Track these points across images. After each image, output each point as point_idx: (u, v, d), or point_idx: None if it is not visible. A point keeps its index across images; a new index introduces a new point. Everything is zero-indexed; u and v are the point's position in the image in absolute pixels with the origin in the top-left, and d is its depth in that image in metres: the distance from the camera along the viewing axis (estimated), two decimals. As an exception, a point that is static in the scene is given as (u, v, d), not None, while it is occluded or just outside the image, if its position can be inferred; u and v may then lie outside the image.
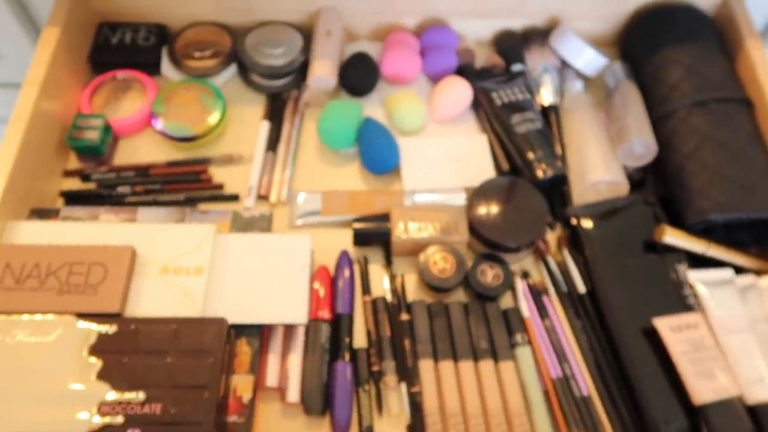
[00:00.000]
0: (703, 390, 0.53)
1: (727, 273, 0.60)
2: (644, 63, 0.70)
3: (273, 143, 0.70)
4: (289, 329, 0.58)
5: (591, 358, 0.59)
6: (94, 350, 0.51)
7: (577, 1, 0.74)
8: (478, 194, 0.63)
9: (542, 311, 0.61)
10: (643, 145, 0.66)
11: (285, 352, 0.57)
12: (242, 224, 0.63)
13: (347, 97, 0.74)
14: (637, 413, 0.55)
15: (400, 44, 0.75)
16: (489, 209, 0.62)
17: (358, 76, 0.73)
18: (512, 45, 0.76)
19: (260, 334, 0.57)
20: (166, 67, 0.74)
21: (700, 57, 0.67)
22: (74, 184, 0.68)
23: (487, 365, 0.57)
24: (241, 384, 0.54)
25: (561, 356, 0.58)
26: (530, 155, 0.66)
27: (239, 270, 0.58)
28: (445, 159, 0.69)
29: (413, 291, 0.63)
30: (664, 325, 0.56)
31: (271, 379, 0.56)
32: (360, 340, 0.59)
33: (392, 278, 0.62)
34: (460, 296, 0.63)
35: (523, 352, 0.58)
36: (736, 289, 0.59)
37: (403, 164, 0.68)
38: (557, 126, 0.70)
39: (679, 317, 0.57)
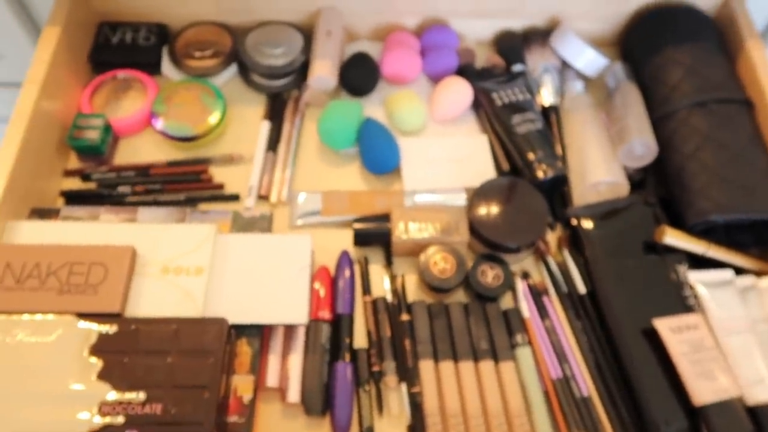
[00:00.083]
0: (703, 391, 0.53)
1: (728, 274, 0.60)
2: (645, 63, 0.70)
3: (273, 143, 0.70)
4: (290, 329, 0.58)
5: (591, 359, 0.59)
6: (95, 350, 0.51)
7: (578, 1, 0.74)
8: (478, 195, 0.63)
9: (542, 312, 0.61)
10: (643, 146, 0.66)
11: (285, 353, 0.57)
12: (243, 224, 0.63)
13: (348, 97, 0.74)
14: (638, 414, 0.55)
15: (400, 44, 0.75)
16: (489, 210, 0.62)
17: (359, 76, 0.73)
18: (513, 45, 0.76)
19: (261, 334, 0.57)
20: (167, 66, 0.74)
21: (700, 58, 0.67)
22: (74, 184, 0.68)
23: (487, 366, 0.57)
24: (242, 384, 0.54)
25: (561, 357, 0.58)
26: (531, 156, 0.66)
27: (240, 270, 0.58)
28: (446, 159, 0.69)
29: (413, 291, 0.63)
30: (664, 325, 0.56)
31: (272, 379, 0.56)
32: (360, 340, 0.59)
33: (392, 278, 0.62)
34: (460, 297, 0.63)
35: (524, 353, 0.58)
36: (737, 290, 0.59)
37: (403, 164, 0.68)
38: (558, 126, 0.70)
39: (679, 318, 0.57)
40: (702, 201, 0.60)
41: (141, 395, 0.49)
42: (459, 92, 0.71)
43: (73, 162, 0.69)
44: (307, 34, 0.75)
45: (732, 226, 0.61)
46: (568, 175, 0.67)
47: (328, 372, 0.56)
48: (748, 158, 0.61)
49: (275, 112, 0.73)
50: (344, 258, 0.62)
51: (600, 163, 0.65)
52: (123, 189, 0.66)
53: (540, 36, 0.76)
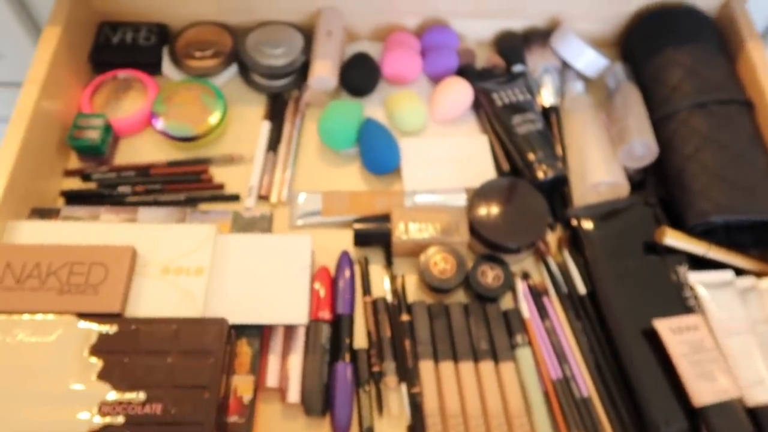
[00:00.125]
0: (703, 392, 0.53)
1: (728, 275, 0.60)
2: (645, 64, 0.70)
3: (274, 143, 0.70)
4: (290, 330, 0.58)
5: (591, 360, 0.59)
6: (95, 350, 0.51)
7: (578, 2, 0.74)
8: (478, 195, 0.63)
9: (542, 312, 0.61)
10: (643, 147, 0.66)
11: (285, 353, 0.57)
12: (243, 224, 0.63)
13: (348, 97, 0.74)
14: (637, 414, 0.55)
15: (400, 44, 0.75)
16: (489, 210, 0.62)
17: (359, 76, 0.73)
18: (513, 46, 0.76)
19: (261, 334, 0.57)
20: (167, 66, 0.74)
21: (700, 58, 0.67)
22: (75, 184, 0.68)
23: (487, 366, 0.57)
24: (242, 384, 0.54)
25: (561, 357, 0.58)
26: (531, 156, 0.66)
27: (240, 270, 0.58)
28: (446, 160, 0.69)
29: (413, 292, 0.63)
30: (664, 326, 0.56)
31: (272, 379, 0.56)
32: (360, 340, 0.59)
33: (393, 279, 0.62)
34: (460, 297, 0.63)
35: (524, 353, 0.58)
36: (737, 291, 0.59)
37: (403, 165, 0.68)
38: (558, 127, 0.70)
39: (679, 319, 0.57)
40: (702, 202, 0.60)
41: (141, 395, 0.49)
42: (459, 92, 0.71)
43: (74, 162, 0.70)
44: (308, 34, 0.75)
45: (732, 227, 0.61)
46: (569, 175, 0.67)
47: (328, 372, 0.56)
48: (748, 159, 0.61)
49: (275, 113, 0.73)
50: (344, 258, 0.62)
51: (600, 164, 0.65)
52: (123, 189, 0.66)
53: (540, 36, 0.76)
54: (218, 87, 0.72)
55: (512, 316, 0.60)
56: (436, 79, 0.74)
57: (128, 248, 0.56)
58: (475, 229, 0.62)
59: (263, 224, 0.63)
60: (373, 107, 0.73)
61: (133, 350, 0.51)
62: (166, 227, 0.60)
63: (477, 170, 0.68)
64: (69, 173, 0.68)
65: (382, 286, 0.62)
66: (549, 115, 0.71)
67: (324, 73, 0.71)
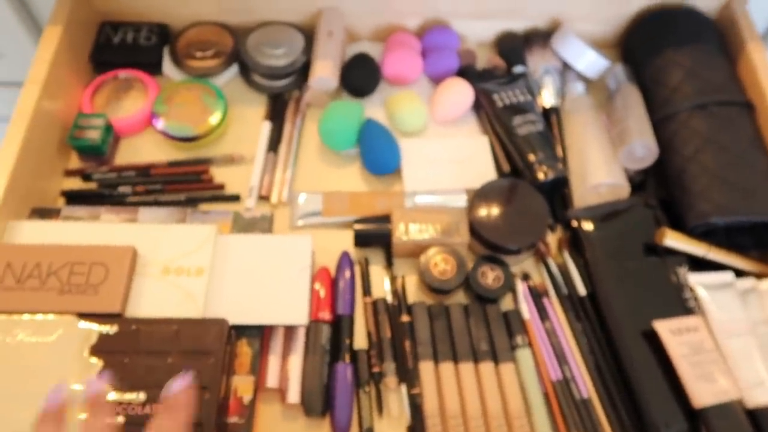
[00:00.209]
0: (703, 393, 0.53)
1: (728, 276, 0.60)
2: (646, 65, 0.70)
3: (274, 144, 0.70)
4: (290, 330, 0.58)
5: (591, 361, 0.59)
6: (95, 350, 0.51)
7: (579, 3, 0.74)
8: (479, 196, 0.63)
9: (542, 313, 0.61)
10: (644, 148, 0.66)
11: (285, 353, 0.57)
12: (243, 225, 0.63)
13: (348, 97, 0.74)
14: (637, 416, 0.55)
15: (401, 45, 0.75)
16: (490, 211, 0.62)
17: (360, 76, 0.73)
18: (514, 46, 0.76)
19: (261, 335, 0.57)
20: (168, 66, 0.74)
21: (701, 60, 0.67)
22: (75, 184, 0.68)
23: (487, 367, 0.57)
24: (242, 385, 0.54)
25: (561, 358, 0.58)
26: (531, 157, 0.66)
27: (240, 271, 0.58)
28: (446, 160, 0.69)
29: (414, 292, 0.63)
30: (664, 327, 0.56)
31: (272, 380, 0.56)
32: (360, 341, 0.59)
33: (393, 279, 0.62)
34: (460, 298, 0.63)
35: (524, 354, 0.58)
36: (737, 292, 0.59)
37: (404, 165, 0.68)
38: (558, 128, 0.70)
39: (679, 320, 0.57)
40: (702, 203, 0.60)
41: (141, 395, 0.49)
42: (460, 93, 0.71)
43: (74, 162, 0.70)
44: (309, 34, 0.75)
45: (732, 228, 0.61)
46: (569, 176, 0.67)
47: (328, 373, 0.56)
48: (749, 161, 0.61)
49: (276, 113, 0.73)
50: (345, 259, 0.62)
51: (601, 165, 0.65)
52: (124, 189, 0.66)
53: (541, 37, 0.76)
54: (219, 87, 0.72)
55: (512, 317, 0.60)
56: (436, 79, 0.74)
57: (129, 248, 0.56)
58: (476, 230, 0.62)
59: (264, 225, 0.63)
60: (373, 108, 0.73)
61: (133, 350, 0.51)
62: (166, 227, 0.60)
63: (477, 171, 0.68)
64: (69, 173, 0.68)
65: (382, 286, 0.62)
66: (549, 116, 0.71)
67: (325, 73, 0.71)
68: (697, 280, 0.59)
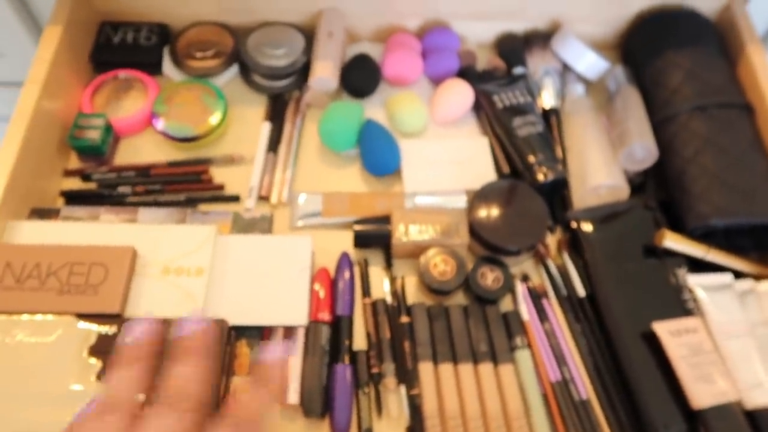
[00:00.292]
0: (702, 394, 0.53)
1: (727, 278, 0.60)
2: (646, 67, 0.70)
3: (274, 144, 0.70)
4: (289, 331, 0.58)
5: (590, 362, 0.59)
6: (95, 351, 0.51)
7: (579, 4, 0.74)
8: (478, 197, 0.63)
9: (542, 314, 0.61)
10: (644, 149, 0.66)
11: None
12: (243, 225, 0.63)
13: (348, 98, 0.74)
14: (636, 417, 0.55)
15: (401, 46, 0.75)
16: (489, 212, 0.62)
17: (360, 77, 0.73)
18: (514, 48, 0.76)
19: (260, 335, 0.57)
20: (168, 66, 0.74)
21: (701, 61, 0.67)
22: (75, 184, 0.68)
23: (486, 368, 0.57)
24: (242, 385, 0.54)
25: (560, 360, 0.58)
26: (531, 158, 0.66)
27: (240, 271, 0.58)
28: (446, 161, 0.69)
29: (413, 293, 0.63)
30: (663, 329, 0.56)
31: (271, 380, 0.56)
32: (360, 342, 0.59)
33: (392, 280, 0.62)
34: (460, 299, 0.63)
35: (523, 356, 0.58)
36: (736, 293, 0.59)
37: (404, 166, 0.68)
38: (558, 129, 0.70)
39: (678, 321, 0.57)
40: (702, 205, 0.60)
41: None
42: (460, 94, 0.71)
43: (74, 162, 0.69)
44: (309, 35, 0.75)
45: (732, 230, 0.61)
46: (569, 178, 0.67)
47: (327, 374, 0.56)
48: (748, 163, 0.61)
49: (276, 113, 0.73)
50: (344, 259, 0.62)
51: (600, 167, 0.65)
52: (123, 189, 0.66)
53: (541, 39, 0.76)
54: (219, 87, 0.72)
55: (512, 319, 0.60)
56: (436, 80, 0.74)
57: (128, 248, 0.56)
58: (475, 231, 0.62)
59: (263, 225, 0.63)
60: (373, 108, 0.73)
61: (132, 351, 0.51)
62: (166, 228, 0.60)
63: (477, 172, 0.68)
64: (69, 173, 0.68)
65: (381, 287, 0.62)
66: (549, 117, 0.71)
67: (325, 74, 0.71)
68: (696, 282, 0.59)
